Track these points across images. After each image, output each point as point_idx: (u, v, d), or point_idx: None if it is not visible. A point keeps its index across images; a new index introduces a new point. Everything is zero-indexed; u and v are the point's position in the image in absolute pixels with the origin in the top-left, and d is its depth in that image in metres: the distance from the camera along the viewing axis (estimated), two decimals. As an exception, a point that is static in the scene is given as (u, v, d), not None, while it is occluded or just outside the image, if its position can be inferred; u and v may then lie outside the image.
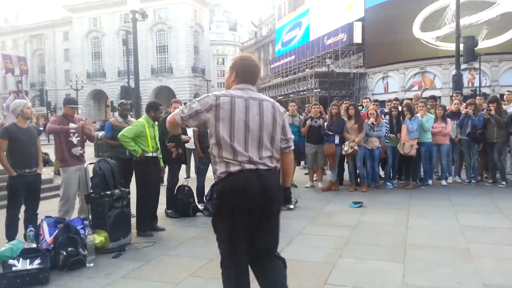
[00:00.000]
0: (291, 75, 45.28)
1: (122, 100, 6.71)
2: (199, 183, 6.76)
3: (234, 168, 2.38)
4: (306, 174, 9.58)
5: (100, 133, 12.80)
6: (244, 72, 2.52)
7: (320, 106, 8.94)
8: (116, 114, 6.45)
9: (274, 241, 2.60)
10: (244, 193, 2.37)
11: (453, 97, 8.97)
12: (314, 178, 8.56)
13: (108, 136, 6.17)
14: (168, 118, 2.59)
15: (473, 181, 8.23)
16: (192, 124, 2.52)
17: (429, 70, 35.38)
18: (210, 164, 6.75)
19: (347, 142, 7.68)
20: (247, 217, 2.41)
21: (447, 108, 8.62)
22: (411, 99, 10.04)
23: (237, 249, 2.45)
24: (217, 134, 2.40)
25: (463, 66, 20.06)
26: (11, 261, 3.74)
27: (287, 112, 8.65)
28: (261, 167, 2.42)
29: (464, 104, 8.52)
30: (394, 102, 8.97)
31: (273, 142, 2.51)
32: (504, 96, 9.14)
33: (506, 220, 5.53)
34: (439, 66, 34.28)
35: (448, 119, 8.14)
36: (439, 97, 9.93)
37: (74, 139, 5.33)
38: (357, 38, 39.56)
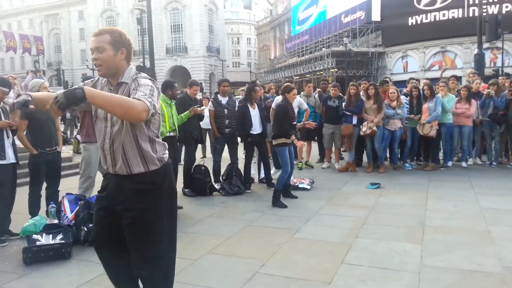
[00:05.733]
0: (307, 55, 44.61)
1: None
2: (215, 163, 6.78)
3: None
4: (317, 162, 8.96)
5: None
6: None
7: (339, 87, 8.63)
8: None
9: None
10: None
11: (471, 76, 8.75)
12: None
13: None
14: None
15: (494, 163, 8.07)
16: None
17: (450, 49, 34.44)
18: (226, 144, 6.76)
19: (365, 123, 7.56)
20: None
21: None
22: (432, 79, 9.82)
23: None
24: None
25: (485, 45, 19.49)
26: (35, 236, 3.85)
27: (302, 92, 8.51)
28: None
29: (486, 84, 8.29)
30: (413, 81, 8.78)
31: None
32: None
33: (527, 202, 5.42)
34: (460, 45, 33.33)
35: (473, 100, 7.89)
36: (460, 77, 9.67)
37: None
38: (376, 16, 38.63)
